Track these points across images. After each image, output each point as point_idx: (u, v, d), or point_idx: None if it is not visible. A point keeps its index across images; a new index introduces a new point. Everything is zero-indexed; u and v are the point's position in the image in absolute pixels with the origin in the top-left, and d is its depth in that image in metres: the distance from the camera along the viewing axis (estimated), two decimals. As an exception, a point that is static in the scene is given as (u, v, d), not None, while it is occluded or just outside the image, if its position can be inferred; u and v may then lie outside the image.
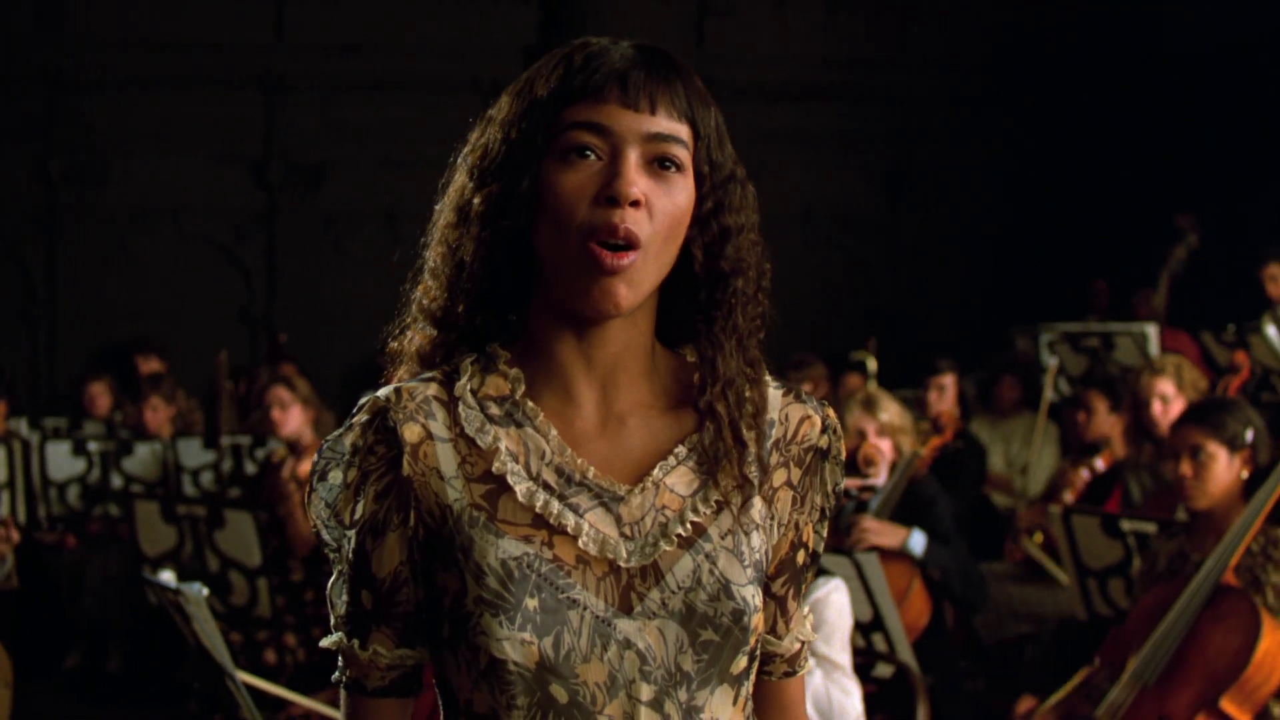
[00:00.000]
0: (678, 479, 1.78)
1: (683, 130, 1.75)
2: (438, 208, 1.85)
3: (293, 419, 6.91)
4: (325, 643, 1.83)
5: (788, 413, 1.86)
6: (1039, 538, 7.04)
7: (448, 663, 1.77)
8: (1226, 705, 4.17)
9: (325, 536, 1.81)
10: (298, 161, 13.28)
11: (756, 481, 1.81)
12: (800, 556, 1.89)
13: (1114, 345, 8.36)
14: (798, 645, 1.92)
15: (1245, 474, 4.41)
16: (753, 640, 1.77)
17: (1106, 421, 7.07)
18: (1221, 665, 4.19)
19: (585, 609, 1.71)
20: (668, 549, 1.75)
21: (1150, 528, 5.24)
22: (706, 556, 1.75)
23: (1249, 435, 4.41)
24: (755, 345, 1.83)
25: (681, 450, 1.80)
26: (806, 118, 13.51)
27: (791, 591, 1.90)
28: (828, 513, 1.90)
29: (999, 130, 13.45)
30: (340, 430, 1.80)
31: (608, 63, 1.76)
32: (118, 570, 8.25)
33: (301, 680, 6.19)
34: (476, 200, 1.77)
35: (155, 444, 8.53)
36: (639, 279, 1.72)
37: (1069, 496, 6.93)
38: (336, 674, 1.83)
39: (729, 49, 13.70)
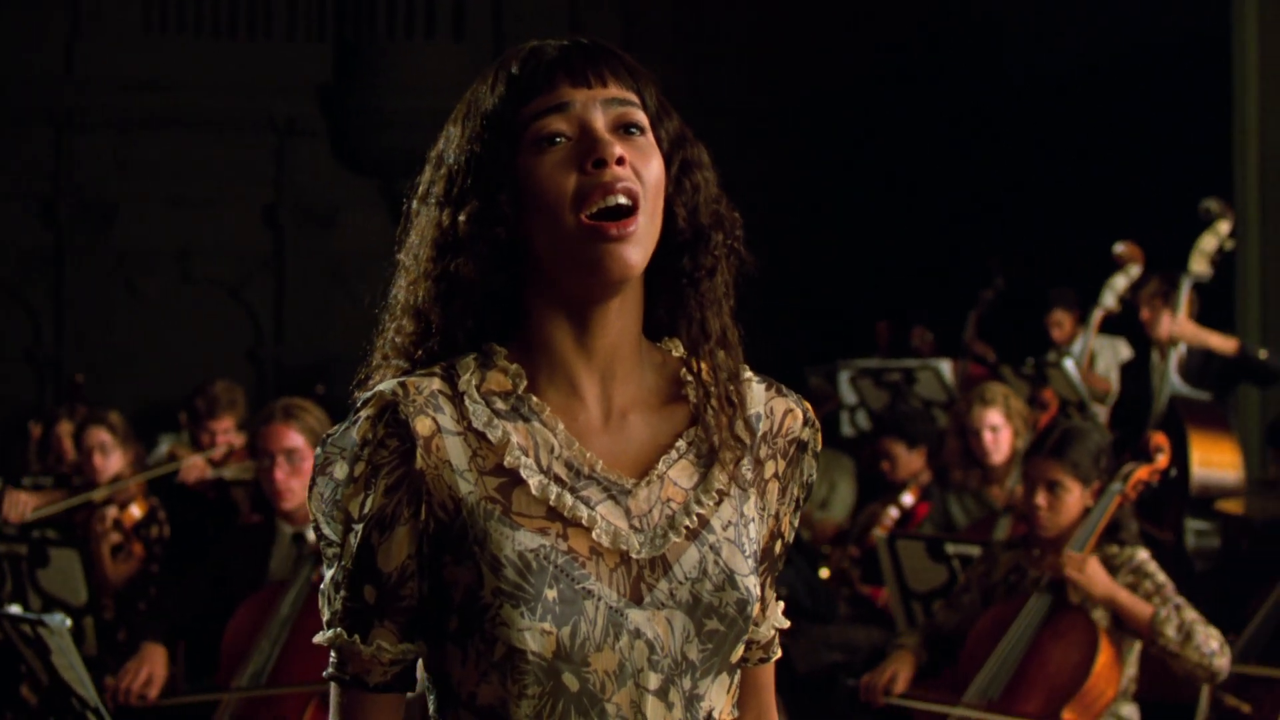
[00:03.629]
0: (679, 472, 1.83)
1: (633, 97, 1.81)
2: (401, 257, 1.86)
3: (114, 463, 6.73)
4: (319, 639, 1.81)
5: (772, 406, 1.92)
6: None
7: (451, 656, 1.78)
8: (1068, 716, 4.35)
9: (326, 531, 1.79)
10: (88, 199, 13.02)
11: (748, 442, 1.87)
12: (778, 546, 1.94)
13: (915, 379, 8.61)
14: (773, 632, 1.97)
15: (1091, 502, 4.59)
16: (751, 629, 1.84)
17: (909, 460, 7.27)
18: (1063, 679, 4.35)
19: (600, 599, 1.74)
20: (676, 540, 1.79)
21: (974, 550, 5.40)
22: (711, 548, 1.80)
23: (1102, 463, 4.60)
24: (729, 311, 1.88)
25: (682, 444, 1.84)
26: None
27: (769, 580, 1.95)
28: (801, 504, 1.96)
29: (791, 172, 13.71)
30: (344, 425, 1.80)
31: (547, 55, 1.81)
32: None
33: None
34: (461, 220, 1.79)
35: (-47, 486, 8.26)
36: (642, 241, 1.76)
37: (881, 533, 7.11)
38: (331, 670, 1.81)
39: (524, 92, 13.80)
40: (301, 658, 4.56)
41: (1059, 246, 10.73)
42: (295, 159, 13.50)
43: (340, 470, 1.78)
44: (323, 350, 13.50)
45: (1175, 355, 7.24)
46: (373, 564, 1.77)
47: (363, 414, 1.78)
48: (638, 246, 1.76)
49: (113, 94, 12.84)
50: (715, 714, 1.82)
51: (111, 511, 6.55)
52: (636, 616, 1.76)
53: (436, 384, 1.80)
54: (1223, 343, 7.16)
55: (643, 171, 1.77)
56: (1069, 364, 7.99)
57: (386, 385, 1.79)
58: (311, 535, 4.83)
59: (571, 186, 1.75)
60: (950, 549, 5.57)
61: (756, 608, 1.84)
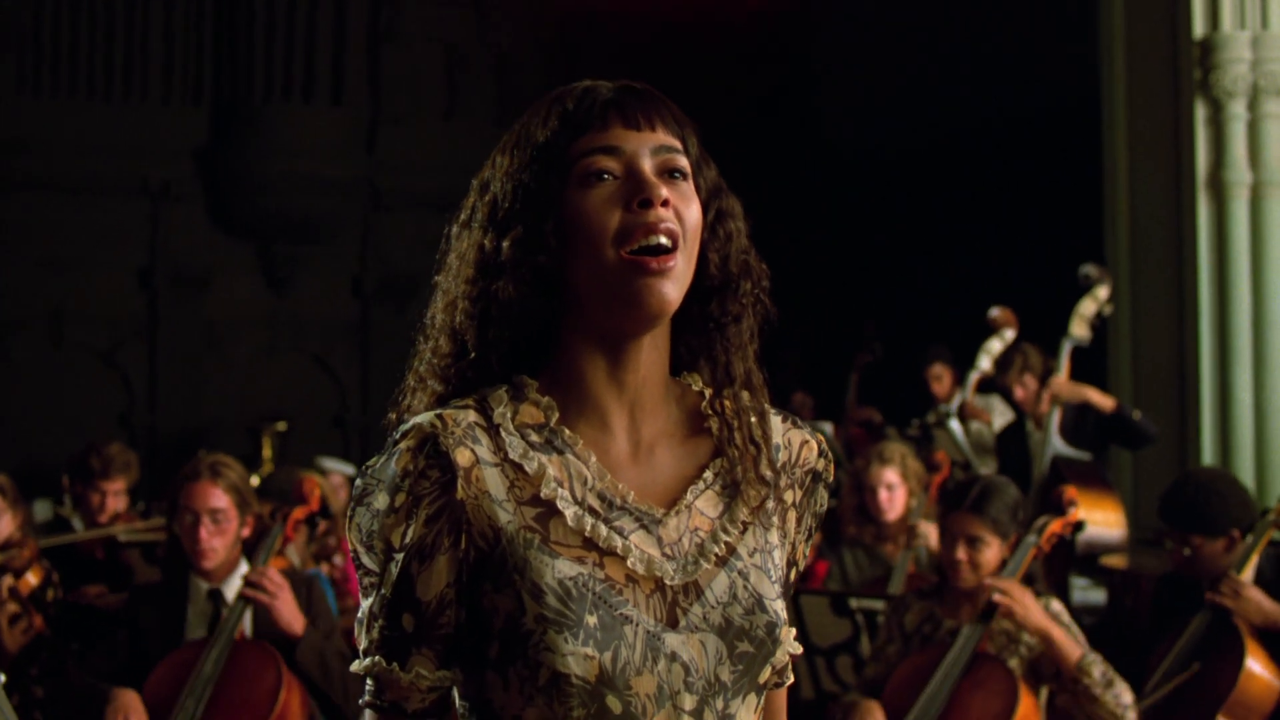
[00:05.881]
0: (705, 502, 1.90)
1: (678, 144, 1.90)
2: (439, 279, 1.93)
3: (4, 527, 6.60)
4: (356, 667, 1.85)
5: (790, 437, 2.00)
6: None
7: (492, 683, 1.82)
8: (991, 766, 4.45)
9: (364, 561, 1.83)
10: (-42, 262, 12.85)
11: (772, 481, 1.94)
12: (792, 574, 2.01)
13: (802, 441, 8.71)
14: (787, 658, 2.02)
15: (1007, 554, 4.72)
16: (779, 652, 1.90)
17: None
18: None
19: (638, 624, 1.80)
20: (706, 567, 1.86)
21: (878, 604, 5.52)
22: (739, 573, 1.88)
23: (1019, 517, 4.73)
24: (753, 355, 1.96)
25: (709, 475, 1.92)
26: (475, 225, 13.67)
27: (784, 605, 2.03)
28: (812, 533, 2.04)
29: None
30: (383, 456, 1.83)
31: (601, 95, 1.89)
32: None
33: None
34: (505, 245, 1.85)
35: None
36: (680, 279, 1.84)
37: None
38: (368, 698, 1.85)
39: (400, 157, 13.84)
40: (226, 716, 4.54)
41: (937, 311, 10.94)
42: (170, 222, 13.43)
43: (380, 500, 1.82)
44: (197, 416, 13.39)
45: (1055, 418, 7.43)
46: (412, 593, 1.81)
47: (402, 445, 1.82)
48: (675, 283, 1.84)
49: (-17, 156, 12.72)
50: None
51: (7, 580, 6.40)
52: (672, 640, 1.82)
53: (472, 416, 1.85)
54: (1101, 399, 7.35)
55: (684, 215, 1.85)
56: (954, 424, 8.18)
57: (424, 418, 1.84)
58: (230, 592, 4.84)
59: (615, 223, 1.83)
60: (854, 604, 5.68)
61: (784, 630, 1.91)
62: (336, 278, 14.01)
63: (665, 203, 1.83)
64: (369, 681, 1.86)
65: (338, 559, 6.82)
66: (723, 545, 1.89)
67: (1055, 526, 4.71)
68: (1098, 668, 4.48)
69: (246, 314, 13.79)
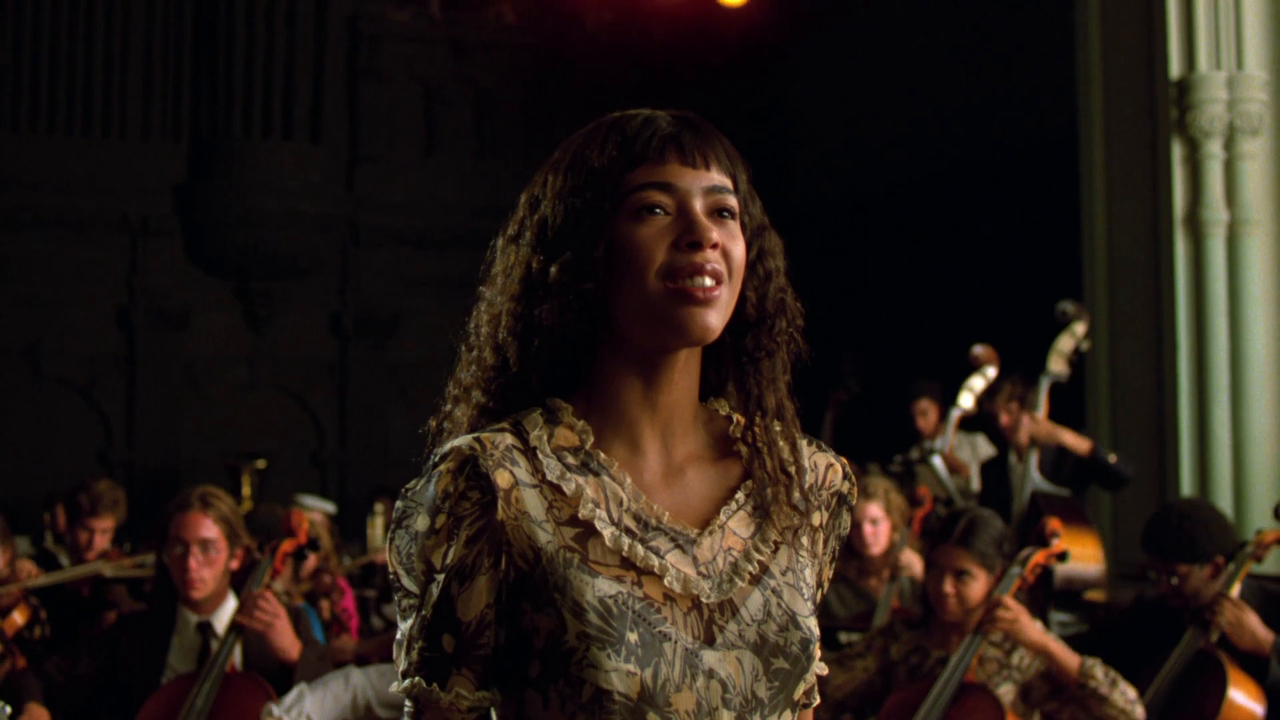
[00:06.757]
0: (738, 523, 1.94)
1: (730, 183, 1.93)
2: (483, 289, 1.96)
3: None
4: (396, 688, 1.86)
5: (815, 460, 2.04)
6: None
7: (531, 702, 1.84)
8: (980, 795, 4.47)
9: (405, 583, 1.85)
10: (-64, 297, 12.83)
11: (804, 509, 1.99)
12: (818, 595, 2.05)
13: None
14: (814, 678, 2.04)
15: (993, 586, 4.75)
16: (811, 668, 1.94)
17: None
18: None
19: (676, 642, 1.83)
20: (741, 585, 1.90)
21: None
22: (773, 591, 1.92)
23: (1005, 549, 4.78)
24: (785, 388, 2.00)
25: (740, 496, 1.96)
26: (452, 265, 13.74)
27: (816, 624, 2.06)
28: (836, 556, 2.08)
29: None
30: (422, 479, 1.86)
31: (660, 128, 1.92)
32: None
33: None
34: (553, 270, 1.88)
35: None
36: (723, 308, 1.88)
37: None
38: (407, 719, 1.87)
39: (379, 194, 13.86)
40: None
41: (916, 349, 10.98)
42: (149, 258, 13.42)
43: (421, 522, 1.84)
44: (175, 453, 13.36)
45: (1034, 454, 7.46)
46: (452, 613, 1.83)
47: (442, 468, 1.85)
48: (719, 312, 1.87)
49: (-38, 192, 12.71)
50: None
51: (-13, 618, 6.36)
52: (710, 657, 1.86)
53: (509, 439, 1.88)
54: (1076, 441, 7.37)
55: (731, 252, 1.89)
56: (936, 460, 8.21)
57: (463, 440, 1.87)
58: (219, 624, 4.84)
59: (662, 258, 1.86)
60: (843, 637, 5.72)
61: (817, 647, 1.95)
62: (315, 315, 14.02)
63: (715, 245, 1.87)
64: (408, 703, 1.87)
65: (335, 595, 6.81)
66: (756, 564, 1.93)
67: (1039, 557, 4.76)
68: (1100, 669, 4.54)
69: (225, 351, 13.79)
